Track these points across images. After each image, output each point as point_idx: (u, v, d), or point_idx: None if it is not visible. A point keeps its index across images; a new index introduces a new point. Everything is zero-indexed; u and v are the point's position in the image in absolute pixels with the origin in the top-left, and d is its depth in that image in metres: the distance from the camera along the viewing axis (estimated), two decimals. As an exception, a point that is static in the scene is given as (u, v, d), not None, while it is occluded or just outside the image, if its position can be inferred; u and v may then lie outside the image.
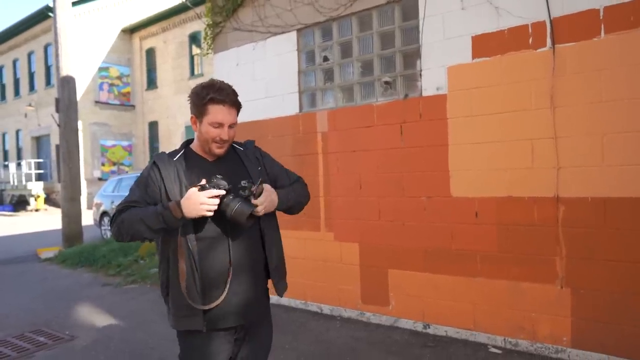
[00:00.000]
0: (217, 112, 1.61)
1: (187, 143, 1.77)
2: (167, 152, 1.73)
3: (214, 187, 1.52)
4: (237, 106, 1.67)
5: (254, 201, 1.57)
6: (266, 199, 1.61)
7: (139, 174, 1.53)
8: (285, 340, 3.63)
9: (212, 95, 1.60)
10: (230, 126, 1.65)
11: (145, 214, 1.55)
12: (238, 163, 1.75)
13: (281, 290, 1.81)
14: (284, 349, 3.48)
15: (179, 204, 1.52)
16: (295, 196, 1.80)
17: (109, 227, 9.71)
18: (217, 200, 1.53)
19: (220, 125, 1.62)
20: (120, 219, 1.60)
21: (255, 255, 1.71)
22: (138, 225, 1.55)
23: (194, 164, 1.67)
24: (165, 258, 1.65)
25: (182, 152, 1.71)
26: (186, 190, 1.58)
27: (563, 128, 3.02)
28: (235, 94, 1.66)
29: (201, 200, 1.50)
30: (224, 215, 1.56)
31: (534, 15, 3.09)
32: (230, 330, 1.69)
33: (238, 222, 1.55)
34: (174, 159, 1.66)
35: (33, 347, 3.77)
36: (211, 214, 1.53)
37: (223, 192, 1.53)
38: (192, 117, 1.68)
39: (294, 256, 4.38)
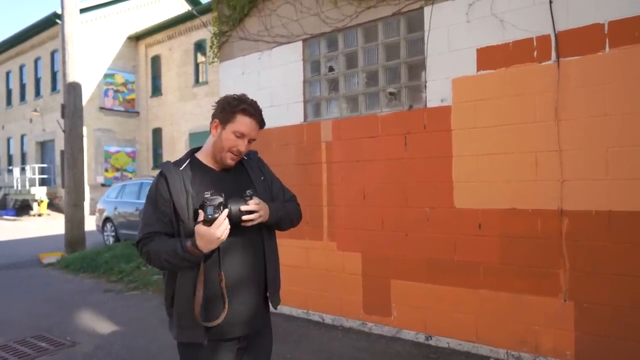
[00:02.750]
0: (245, 123, 1.64)
1: (193, 152, 1.76)
2: (172, 162, 1.72)
3: (210, 207, 1.49)
4: (262, 125, 1.71)
5: (250, 202, 1.57)
6: (260, 202, 1.61)
7: (142, 181, 1.54)
8: (287, 350, 3.61)
9: (245, 106, 1.63)
10: (250, 141, 1.67)
11: (168, 254, 1.55)
12: (243, 173, 1.75)
13: (275, 303, 1.79)
14: (285, 359, 3.46)
15: (195, 245, 1.50)
16: (285, 212, 1.79)
17: (112, 234, 9.76)
18: (227, 224, 1.51)
19: (242, 136, 1.64)
20: (146, 252, 1.61)
21: (257, 264, 1.71)
22: (166, 263, 1.58)
23: (201, 173, 1.67)
24: (172, 272, 1.65)
25: (188, 160, 1.70)
26: (192, 200, 1.59)
27: (567, 141, 3.03)
28: (263, 115, 1.71)
29: (217, 235, 1.49)
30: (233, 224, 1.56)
31: (538, 28, 3.12)
32: (234, 340, 1.68)
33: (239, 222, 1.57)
34: (180, 169, 1.65)
35: (34, 353, 3.77)
36: (227, 234, 1.53)
37: (226, 213, 1.51)
38: (214, 122, 1.67)
39: (296, 265, 4.38)
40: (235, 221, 1.55)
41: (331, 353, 3.59)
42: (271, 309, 1.81)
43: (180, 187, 1.61)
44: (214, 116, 1.68)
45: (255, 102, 1.69)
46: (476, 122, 3.39)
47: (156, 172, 1.78)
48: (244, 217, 1.56)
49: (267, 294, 1.76)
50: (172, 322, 1.67)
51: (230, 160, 1.67)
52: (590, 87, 2.95)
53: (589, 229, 2.96)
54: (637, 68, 2.80)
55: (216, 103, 1.70)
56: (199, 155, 1.73)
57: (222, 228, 1.49)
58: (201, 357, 1.64)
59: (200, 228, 1.50)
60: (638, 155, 2.80)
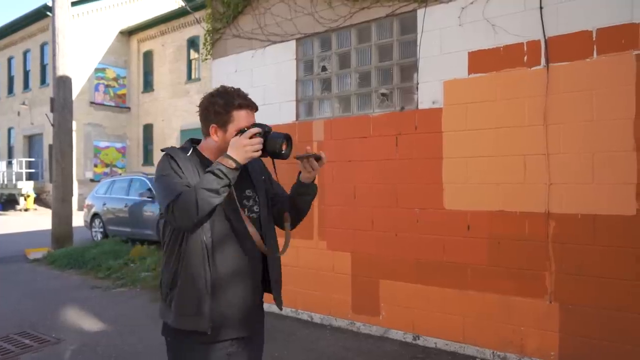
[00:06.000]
0: (244, 118, 1.58)
1: (192, 142, 1.69)
2: (176, 147, 1.66)
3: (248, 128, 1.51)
4: (257, 109, 1.66)
5: (322, 154, 1.63)
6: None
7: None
8: (275, 349, 3.61)
9: (239, 101, 1.57)
10: None
11: (202, 183, 1.45)
12: (244, 171, 1.66)
13: (280, 304, 1.75)
14: (273, 358, 3.46)
15: (227, 155, 1.47)
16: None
17: (100, 230, 9.63)
18: (260, 140, 1.50)
19: None
20: (181, 202, 1.45)
21: (255, 263, 1.65)
22: (203, 195, 1.43)
23: (204, 166, 1.58)
24: (174, 255, 1.56)
25: (191, 149, 1.64)
26: None
27: (555, 145, 3.07)
28: (251, 98, 1.67)
29: (243, 143, 1.47)
30: (270, 154, 1.55)
31: (529, 34, 3.16)
32: (225, 342, 1.60)
33: (275, 154, 1.54)
34: (188, 154, 1.61)
35: (18, 350, 3.72)
36: (259, 154, 1.50)
37: (259, 129, 1.50)
38: (212, 127, 1.59)
39: (285, 264, 4.33)
40: (273, 145, 1.52)
41: (319, 352, 3.60)
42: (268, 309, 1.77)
43: (191, 168, 1.56)
44: (208, 121, 1.60)
45: (239, 89, 1.62)
46: (467, 124, 3.42)
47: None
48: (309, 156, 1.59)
49: (272, 296, 1.71)
50: (170, 309, 1.57)
51: None
52: (578, 92, 3.00)
53: (574, 232, 3.01)
54: (623, 75, 2.85)
55: (199, 107, 1.64)
56: (202, 150, 1.67)
57: (252, 141, 1.47)
58: (189, 357, 1.57)
59: (232, 139, 1.50)
60: (623, 161, 2.86)
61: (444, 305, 3.52)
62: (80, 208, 13.58)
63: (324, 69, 4.33)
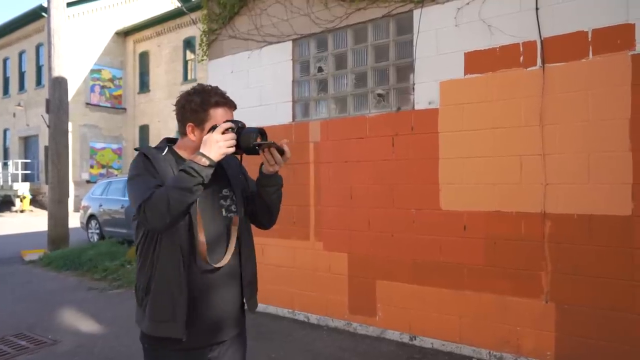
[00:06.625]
0: (221, 115, 1.53)
1: (168, 142, 1.64)
2: (151, 146, 1.63)
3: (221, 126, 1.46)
4: (235, 107, 1.61)
5: (285, 147, 1.52)
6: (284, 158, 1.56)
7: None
8: (272, 350, 3.61)
9: (215, 99, 1.53)
10: None
11: (174, 182, 1.39)
12: (220, 169, 1.64)
13: (253, 307, 1.69)
14: (269, 359, 3.46)
15: (199, 153, 1.41)
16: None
17: (97, 231, 9.57)
18: (233, 135, 1.45)
19: None
20: (151, 204, 1.38)
21: (233, 266, 1.59)
22: (175, 194, 1.37)
23: (179, 165, 1.54)
24: (148, 258, 1.52)
25: (167, 148, 1.61)
26: None
27: (551, 145, 3.08)
28: (229, 96, 1.62)
29: (216, 139, 1.42)
30: (244, 150, 1.49)
31: (525, 34, 3.17)
32: (206, 349, 1.57)
33: (249, 149, 1.49)
34: (163, 154, 1.56)
35: (14, 351, 3.70)
36: (232, 150, 1.45)
37: (231, 125, 1.45)
38: (189, 126, 1.55)
39: (282, 264, 4.38)
40: (247, 140, 1.47)
41: (316, 353, 3.60)
42: (258, 307, 1.74)
43: (166, 166, 1.52)
44: (185, 119, 1.56)
45: (216, 87, 1.57)
46: (463, 125, 3.43)
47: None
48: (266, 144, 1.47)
49: (244, 299, 1.66)
50: (144, 314, 1.52)
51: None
52: (574, 93, 3.01)
53: (570, 232, 3.02)
54: (618, 75, 2.86)
55: (175, 105, 1.60)
56: (178, 150, 1.63)
57: (224, 137, 1.42)
58: None
59: (205, 136, 1.45)
60: (619, 161, 2.87)
61: (441, 305, 3.53)
62: (77, 209, 13.53)
63: (320, 69, 4.33)
